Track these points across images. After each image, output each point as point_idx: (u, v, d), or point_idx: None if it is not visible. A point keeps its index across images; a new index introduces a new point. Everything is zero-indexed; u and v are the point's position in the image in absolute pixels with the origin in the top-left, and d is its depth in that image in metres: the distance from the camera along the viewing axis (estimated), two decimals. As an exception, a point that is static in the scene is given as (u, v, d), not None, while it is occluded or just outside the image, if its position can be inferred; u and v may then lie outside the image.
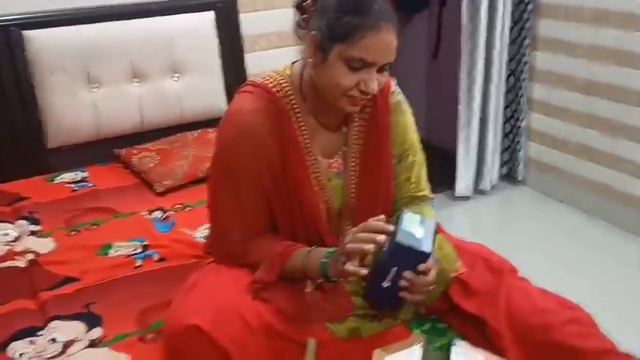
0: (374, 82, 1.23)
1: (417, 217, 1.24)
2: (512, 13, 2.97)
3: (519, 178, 3.22)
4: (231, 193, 1.36)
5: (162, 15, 2.36)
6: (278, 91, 1.34)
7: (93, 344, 1.42)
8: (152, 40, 2.34)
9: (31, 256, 1.77)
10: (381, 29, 1.20)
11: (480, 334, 1.31)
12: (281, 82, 1.36)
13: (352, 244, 1.18)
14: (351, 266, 1.18)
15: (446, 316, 1.40)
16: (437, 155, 3.59)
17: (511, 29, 3.01)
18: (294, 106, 1.35)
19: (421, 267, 1.21)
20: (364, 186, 1.43)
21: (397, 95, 1.47)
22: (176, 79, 2.41)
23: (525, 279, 1.40)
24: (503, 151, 3.26)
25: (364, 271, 1.18)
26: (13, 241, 1.86)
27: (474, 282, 1.35)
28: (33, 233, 1.90)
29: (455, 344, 1.15)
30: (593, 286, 2.38)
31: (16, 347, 1.41)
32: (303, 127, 1.36)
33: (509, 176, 3.29)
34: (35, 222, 1.96)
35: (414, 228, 1.21)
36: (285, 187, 1.36)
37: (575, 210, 2.99)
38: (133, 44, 2.30)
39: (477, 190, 3.20)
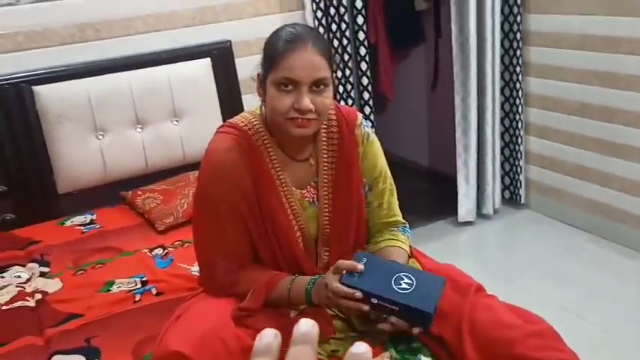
0: (304, 99, 1.32)
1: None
2: (502, 41, 3.06)
3: (521, 202, 3.27)
4: (213, 225, 1.46)
5: (161, 64, 2.51)
6: (250, 129, 1.45)
7: (91, 376, 1.52)
8: (153, 89, 2.48)
9: (39, 296, 1.89)
10: (298, 49, 1.32)
11: (449, 354, 1.38)
12: (252, 120, 1.47)
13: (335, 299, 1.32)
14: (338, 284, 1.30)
15: (422, 338, 1.46)
16: (440, 182, 3.69)
17: (502, 57, 3.10)
18: (265, 141, 1.46)
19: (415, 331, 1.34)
20: (337, 214, 1.52)
21: (364, 127, 1.56)
22: (176, 123, 2.55)
23: (493, 296, 1.46)
24: (504, 175, 3.31)
25: (365, 308, 1.30)
26: (24, 283, 1.98)
27: (442, 303, 1.40)
28: (42, 274, 2.02)
29: (419, 358, 1.21)
30: (597, 304, 2.41)
31: (21, 381, 1.52)
32: (274, 160, 1.47)
33: (511, 200, 3.33)
34: (45, 264, 2.08)
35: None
36: (260, 217, 1.46)
37: (578, 230, 3.01)
38: (135, 93, 2.45)
39: (481, 215, 3.25)
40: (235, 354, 1.34)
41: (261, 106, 1.49)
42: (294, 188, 1.50)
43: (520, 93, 3.09)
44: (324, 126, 1.52)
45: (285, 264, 1.50)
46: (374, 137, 1.58)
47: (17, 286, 1.95)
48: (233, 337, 1.36)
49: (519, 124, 3.14)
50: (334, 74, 1.42)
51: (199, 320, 1.40)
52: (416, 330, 1.32)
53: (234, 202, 1.43)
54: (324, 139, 1.52)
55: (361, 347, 0.42)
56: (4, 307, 1.84)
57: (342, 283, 1.27)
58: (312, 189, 1.52)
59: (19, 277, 2.02)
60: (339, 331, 1.49)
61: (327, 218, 1.52)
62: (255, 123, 1.47)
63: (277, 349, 0.42)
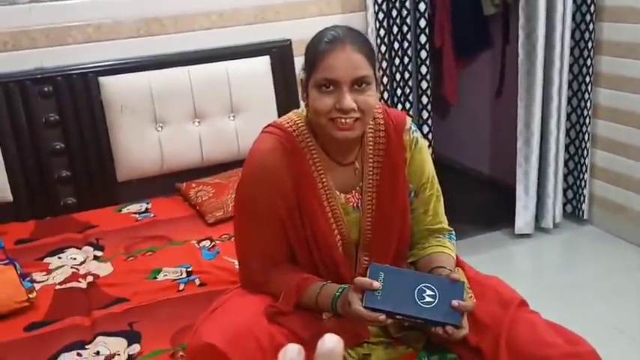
0: (346, 98, 1.31)
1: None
2: (572, 49, 2.95)
3: (584, 217, 3.13)
4: (251, 224, 1.48)
5: (222, 60, 2.56)
6: (294, 131, 1.45)
7: (130, 358, 1.56)
8: (212, 84, 2.54)
9: (91, 279, 1.96)
10: (337, 49, 1.31)
11: (485, 366, 1.34)
12: (297, 122, 1.47)
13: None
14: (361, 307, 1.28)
15: (456, 348, 1.43)
16: (500, 192, 3.59)
17: (571, 66, 2.98)
18: (309, 143, 1.45)
19: (449, 329, 1.29)
20: (379, 220, 1.50)
21: (413, 132, 1.53)
22: (233, 118, 2.59)
23: (536, 312, 1.40)
24: (567, 188, 3.19)
25: (389, 321, 1.29)
26: (78, 265, 2.06)
27: (481, 314, 1.37)
28: (96, 258, 2.10)
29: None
30: None
31: (65, 358, 1.58)
32: (318, 163, 1.46)
33: (573, 214, 3.20)
34: (100, 248, 2.16)
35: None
36: (300, 220, 1.45)
37: (642, 250, 2.87)
38: (195, 88, 2.51)
39: (539, 228, 3.14)
40: (267, 351, 1.35)
41: (306, 109, 1.50)
42: (337, 192, 1.48)
43: (588, 104, 2.96)
44: (371, 130, 1.50)
45: (322, 267, 1.49)
46: (423, 143, 1.55)
47: (72, 268, 2.04)
48: (266, 335, 1.36)
49: (586, 136, 3.01)
50: (378, 73, 1.40)
51: (234, 315, 1.41)
52: (450, 329, 1.28)
53: (272, 204, 1.43)
54: (370, 143, 1.49)
55: (332, 340, 0.41)
56: (58, 287, 1.92)
57: (365, 307, 1.25)
58: (357, 194, 1.51)
59: (75, 259, 2.10)
60: (374, 336, 1.47)
61: (369, 224, 1.50)
62: (300, 124, 1.46)
63: None
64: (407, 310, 1.24)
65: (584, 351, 1.26)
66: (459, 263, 1.57)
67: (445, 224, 1.58)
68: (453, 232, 1.59)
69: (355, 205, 1.51)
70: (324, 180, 1.47)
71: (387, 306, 1.24)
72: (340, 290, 1.38)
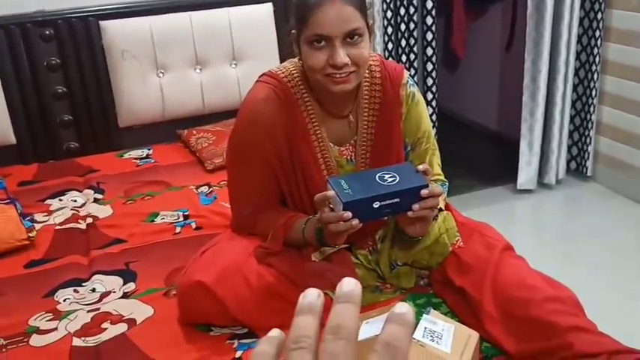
0: (338, 53, 1.29)
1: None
2: (583, 3, 2.88)
3: (587, 174, 3.11)
4: (242, 170, 1.49)
5: (223, 7, 2.53)
6: (289, 82, 1.44)
7: (125, 296, 1.61)
8: (214, 30, 2.52)
9: (90, 220, 2.00)
10: (326, 3, 1.28)
11: (469, 311, 1.36)
12: (293, 72, 1.46)
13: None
14: (326, 213, 1.26)
15: (442, 291, 1.45)
16: (505, 147, 3.57)
17: (581, 20, 2.92)
18: (304, 94, 1.45)
19: (424, 193, 1.26)
20: None
21: (410, 87, 1.51)
22: (234, 66, 2.58)
23: (521, 257, 1.42)
24: (572, 145, 3.16)
25: (355, 222, 1.24)
26: (79, 207, 2.10)
27: (467, 256, 1.39)
28: (96, 200, 2.13)
29: (428, 312, 1.20)
30: None
31: (62, 294, 1.63)
32: (312, 114, 1.46)
33: (577, 171, 3.18)
34: (100, 191, 2.20)
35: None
36: (292, 169, 1.46)
37: (645, 207, 2.86)
38: (197, 34, 2.50)
39: (542, 184, 3.13)
40: (255, 289, 1.38)
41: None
42: (331, 145, 1.49)
43: (597, 59, 2.90)
44: (367, 83, 1.48)
45: (313, 214, 1.51)
46: (420, 97, 1.53)
47: (72, 210, 2.08)
48: (254, 273, 1.40)
49: (593, 92, 2.97)
50: (370, 21, 1.38)
51: (223, 255, 1.44)
52: (416, 206, 1.27)
53: (264, 151, 1.44)
54: (365, 96, 1.49)
55: (403, 307, 0.42)
56: (58, 227, 1.97)
57: (344, 203, 1.23)
58: (351, 147, 1.51)
59: (75, 201, 2.14)
60: (362, 280, 1.50)
61: None
62: (295, 75, 1.45)
63: (321, 308, 0.43)
64: (378, 190, 1.24)
65: (565, 295, 1.28)
66: (448, 208, 1.57)
67: (441, 177, 1.58)
68: (447, 182, 1.59)
69: (349, 158, 1.51)
70: (317, 132, 1.47)
71: (362, 194, 1.24)
72: None
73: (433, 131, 1.65)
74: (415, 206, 1.26)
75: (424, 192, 1.25)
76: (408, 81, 1.52)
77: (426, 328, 1.13)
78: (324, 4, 1.29)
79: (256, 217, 1.50)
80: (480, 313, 1.30)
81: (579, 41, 2.95)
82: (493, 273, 1.33)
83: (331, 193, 1.25)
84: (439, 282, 1.46)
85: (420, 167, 1.29)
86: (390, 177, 1.27)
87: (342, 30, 1.30)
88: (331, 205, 1.27)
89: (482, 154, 3.72)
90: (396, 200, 1.25)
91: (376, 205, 1.24)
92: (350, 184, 1.27)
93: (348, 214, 1.22)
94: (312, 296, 0.43)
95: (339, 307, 0.42)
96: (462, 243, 1.43)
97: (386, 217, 1.48)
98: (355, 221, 1.23)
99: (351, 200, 1.23)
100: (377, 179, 1.27)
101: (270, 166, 1.46)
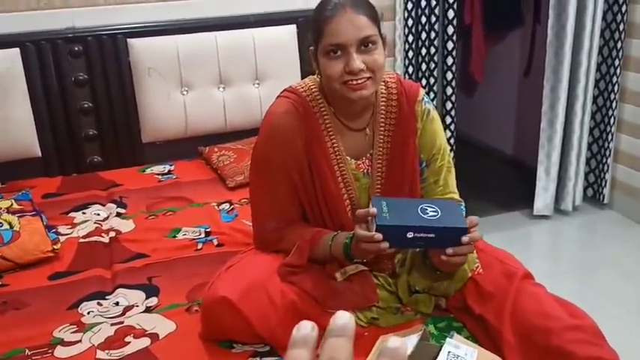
0: (354, 60, 1.35)
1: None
2: (603, 32, 2.91)
3: (604, 201, 3.12)
4: (266, 185, 1.53)
5: (248, 27, 2.58)
6: (308, 96, 1.49)
7: (148, 310, 1.63)
8: (238, 50, 2.57)
9: (113, 234, 2.03)
10: (338, 13, 1.35)
11: (488, 338, 1.37)
12: (311, 87, 1.51)
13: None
14: (360, 230, 1.30)
15: (461, 316, 1.46)
16: (522, 173, 3.58)
17: (601, 48, 2.94)
18: (322, 108, 1.49)
19: (464, 240, 1.29)
20: (389, 186, 1.53)
21: (425, 104, 1.55)
22: (257, 85, 2.62)
23: (541, 285, 1.42)
24: (589, 172, 3.17)
25: (385, 245, 1.27)
26: (102, 220, 2.13)
27: (487, 284, 1.40)
28: (119, 215, 2.16)
29: (451, 336, 1.21)
30: None
31: (87, 306, 1.65)
32: (330, 128, 1.50)
33: (594, 198, 3.19)
34: (123, 206, 2.23)
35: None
36: (311, 181, 1.50)
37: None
38: (221, 53, 2.54)
39: (558, 211, 3.13)
40: (278, 307, 1.40)
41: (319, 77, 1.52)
42: (348, 158, 1.52)
43: (616, 87, 2.92)
44: (384, 98, 1.52)
45: (332, 228, 1.53)
46: (435, 114, 1.57)
47: (95, 223, 2.11)
48: (278, 291, 1.42)
49: (611, 120, 2.98)
50: (383, 32, 1.43)
51: (248, 272, 1.46)
52: (450, 251, 1.29)
53: (285, 164, 1.48)
54: (382, 110, 1.53)
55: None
56: (81, 240, 2.00)
57: (378, 226, 1.26)
58: (367, 160, 1.54)
59: (99, 214, 2.17)
60: (383, 301, 1.51)
61: (378, 190, 1.53)
62: (313, 89, 1.50)
63: (314, 341, 0.43)
64: (415, 222, 1.26)
65: (586, 324, 1.28)
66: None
67: (456, 195, 1.60)
68: (463, 203, 1.61)
69: (365, 171, 1.54)
70: (335, 145, 1.50)
71: (397, 221, 1.27)
72: (351, 235, 1.41)
73: (451, 154, 1.68)
74: (449, 250, 1.29)
75: (464, 239, 1.28)
76: (423, 98, 1.56)
77: (449, 352, 1.14)
78: (337, 15, 1.36)
79: (281, 232, 1.53)
80: (499, 341, 1.31)
81: (598, 69, 2.98)
82: (513, 301, 1.34)
83: (373, 210, 1.29)
84: (457, 308, 1.47)
85: (472, 218, 1.32)
86: (432, 211, 1.30)
87: (355, 37, 1.35)
88: (370, 224, 1.31)
89: (499, 178, 3.73)
90: (431, 235, 1.27)
91: (410, 235, 1.26)
92: (390, 208, 1.30)
93: (379, 236, 1.25)
94: (306, 329, 0.43)
95: (333, 341, 0.42)
96: (481, 270, 1.44)
97: (418, 250, 1.50)
98: (385, 244, 1.26)
99: (385, 224, 1.26)
100: (418, 210, 1.29)
101: (291, 179, 1.50)
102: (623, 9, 2.79)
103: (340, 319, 0.43)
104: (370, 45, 1.37)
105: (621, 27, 2.83)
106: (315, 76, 1.54)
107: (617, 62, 2.89)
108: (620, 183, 3.09)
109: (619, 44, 2.86)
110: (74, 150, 2.54)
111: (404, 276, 1.54)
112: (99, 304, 1.66)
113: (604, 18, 2.87)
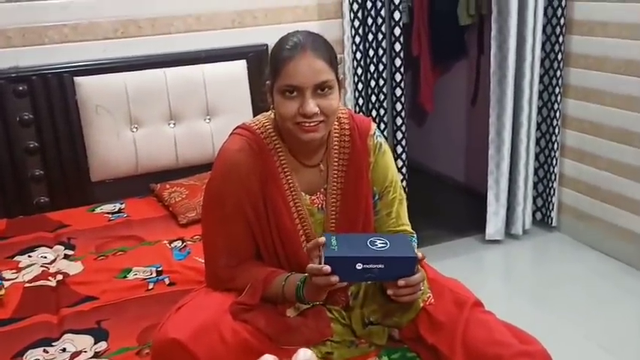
0: (308, 104, 1.36)
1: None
2: (543, 61, 3.02)
3: (553, 224, 3.20)
4: (219, 221, 1.51)
5: (198, 63, 2.58)
6: (262, 133, 1.50)
7: (96, 356, 1.58)
8: (188, 86, 2.56)
9: (60, 277, 1.97)
10: (298, 55, 1.36)
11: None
12: (266, 124, 1.52)
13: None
14: (311, 264, 1.30)
15: (415, 346, 1.47)
16: (473, 199, 3.66)
17: (542, 77, 3.06)
18: (276, 145, 1.50)
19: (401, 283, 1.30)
20: (343, 221, 1.54)
21: (377, 137, 1.58)
22: (208, 121, 2.62)
23: (490, 312, 1.45)
24: (537, 196, 3.26)
25: (335, 279, 1.27)
26: (49, 263, 2.07)
27: (438, 313, 1.42)
28: (67, 257, 2.11)
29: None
30: (629, 336, 2.36)
31: (32, 354, 1.59)
32: (284, 164, 1.50)
33: (543, 222, 3.27)
34: (71, 247, 2.17)
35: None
36: (265, 218, 1.49)
37: (609, 258, 2.93)
38: (171, 90, 2.54)
39: (509, 235, 3.20)
40: (231, 346, 1.38)
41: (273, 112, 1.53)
42: (303, 194, 1.53)
43: (558, 114, 3.04)
44: (337, 134, 1.54)
45: (287, 266, 1.53)
46: (386, 147, 1.60)
47: (42, 266, 2.04)
48: (230, 330, 1.39)
49: (555, 146, 3.09)
50: (340, 76, 1.45)
51: (199, 311, 1.44)
52: (401, 282, 1.30)
53: (239, 201, 1.47)
54: (335, 146, 1.54)
55: (307, 354, 0.43)
56: (27, 285, 1.93)
57: (326, 258, 1.26)
58: (321, 195, 1.55)
59: (45, 257, 2.11)
60: (337, 335, 1.51)
61: (333, 225, 1.54)
62: (267, 127, 1.51)
63: None
64: (365, 254, 1.27)
65: (535, 350, 1.31)
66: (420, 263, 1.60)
67: (408, 227, 1.62)
68: (415, 235, 1.63)
69: (320, 206, 1.55)
70: (290, 181, 1.51)
71: (346, 253, 1.27)
72: (304, 278, 1.41)
73: (403, 183, 1.70)
74: (401, 282, 1.30)
75: (401, 282, 1.29)
76: (375, 132, 1.59)
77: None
78: (296, 57, 1.36)
79: (234, 270, 1.51)
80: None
81: (540, 97, 3.09)
82: (463, 330, 1.36)
83: (322, 239, 1.30)
84: (411, 339, 1.48)
85: (419, 254, 1.33)
86: (381, 243, 1.31)
87: (312, 81, 1.36)
88: (321, 257, 1.31)
89: (451, 205, 3.80)
90: (380, 266, 1.27)
91: (359, 266, 1.27)
92: (340, 241, 1.31)
93: (327, 268, 1.25)
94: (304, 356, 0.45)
95: None
96: (432, 300, 1.46)
97: (369, 282, 1.50)
98: (335, 278, 1.26)
99: (333, 256, 1.26)
100: (367, 243, 1.30)
101: (245, 216, 1.49)
102: (560, 40, 2.92)
103: (302, 356, 0.44)
104: (326, 89, 1.39)
105: (559, 57, 2.95)
106: (269, 113, 1.54)
107: (557, 90, 3.01)
108: (567, 206, 3.18)
109: (558, 73, 2.98)
110: (20, 191, 2.48)
111: (357, 309, 1.54)
112: (45, 351, 1.60)
113: (543, 48, 2.99)
